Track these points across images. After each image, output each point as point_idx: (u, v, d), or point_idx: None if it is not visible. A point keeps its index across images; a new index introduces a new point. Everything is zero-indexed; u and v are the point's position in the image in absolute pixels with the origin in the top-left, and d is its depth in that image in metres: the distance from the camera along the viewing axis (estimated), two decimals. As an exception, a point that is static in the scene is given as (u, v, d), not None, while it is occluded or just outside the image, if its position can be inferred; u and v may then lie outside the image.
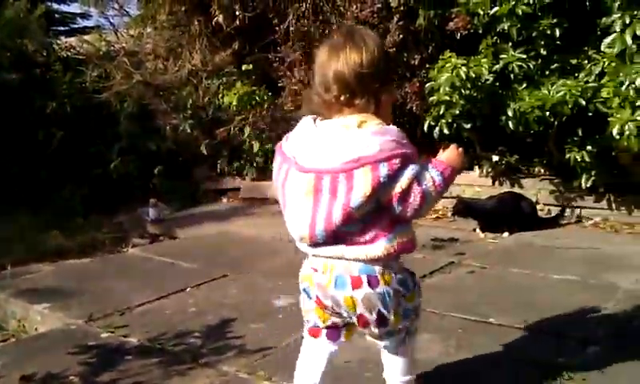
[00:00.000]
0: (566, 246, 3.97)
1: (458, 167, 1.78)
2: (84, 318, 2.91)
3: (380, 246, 1.68)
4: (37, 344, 2.69)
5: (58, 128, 6.05)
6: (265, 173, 6.04)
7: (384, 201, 1.65)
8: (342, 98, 1.71)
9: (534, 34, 4.49)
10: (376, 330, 1.81)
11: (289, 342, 2.56)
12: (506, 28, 4.52)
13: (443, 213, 4.96)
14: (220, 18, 5.67)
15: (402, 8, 5.01)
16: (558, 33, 4.42)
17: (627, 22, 4.13)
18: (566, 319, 2.73)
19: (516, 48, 4.56)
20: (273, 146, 6.16)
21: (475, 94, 4.53)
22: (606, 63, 4.22)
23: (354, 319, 1.78)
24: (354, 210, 1.63)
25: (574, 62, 4.49)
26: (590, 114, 4.29)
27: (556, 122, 4.45)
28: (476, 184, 5.05)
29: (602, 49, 4.27)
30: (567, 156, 4.47)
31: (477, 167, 5.11)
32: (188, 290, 3.30)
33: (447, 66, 4.49)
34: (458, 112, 4.56)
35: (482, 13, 4.60)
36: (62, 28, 9.42)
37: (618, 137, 4.04)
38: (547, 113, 4.28)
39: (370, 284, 1.71)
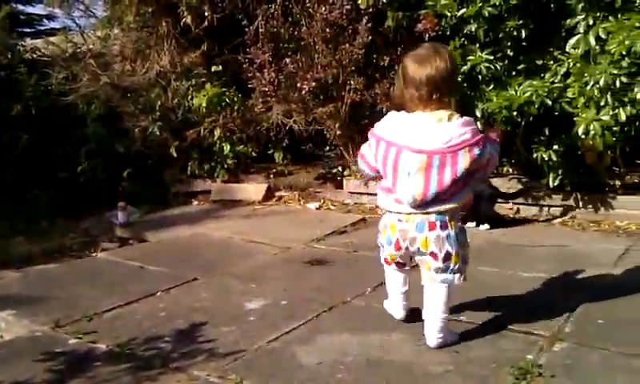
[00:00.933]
0: (534, 243, 4.03)
1: (501, 141, 2.58)
2: (51, 324, 2.85)
3: (454, 201, 2.37)
4: (1, 352, 2.62)
5: (24, 131, 5.93)
6: (236, 175, 6.01)
7: (472, 170, 2.34)
8: (434, 96, 2.33)
9: (500, 36, 4.55)
10: (441, 265, 2.39)
11: (260, 345, 2.55)
12: (473, 29, 4.57)
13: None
14: (188, 19, 5.62)
15: (370, 10, 5.03)
16: (524, 34, 4.48)
17: (590, 23, 4.21)
18: (534, 316, 2.77)
19: (483, 49, 4.61)
20: (244, 148, 6.22)
21: (444, 95, 4.57)
22: (571, 64, 4.30)
23: (426, 255, 2.40)
24: (458, 179, 2.31)
25: (539, 62, 4.56)
26: (556, 114, 4.37)
27: (523, 122, 4.52)
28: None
29: (567, 49, 4.35)
30: (534, 155, 4.54)
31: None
32: (158, 294, 3.26)
33: (416, 67, 4.52)
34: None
35: (449, 14, 4.65)
36: (28, 29, 9.21)
37: (583, 136, 4.12)
38: (514, 113, 4.35)
39: (441, 227, 2.38)
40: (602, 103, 4.06)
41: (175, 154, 5.99)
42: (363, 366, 2.35)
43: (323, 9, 5.03)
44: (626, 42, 3.87)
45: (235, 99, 5.60)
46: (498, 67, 4.59)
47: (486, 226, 4.50)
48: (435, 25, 4.75)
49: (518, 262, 3.63)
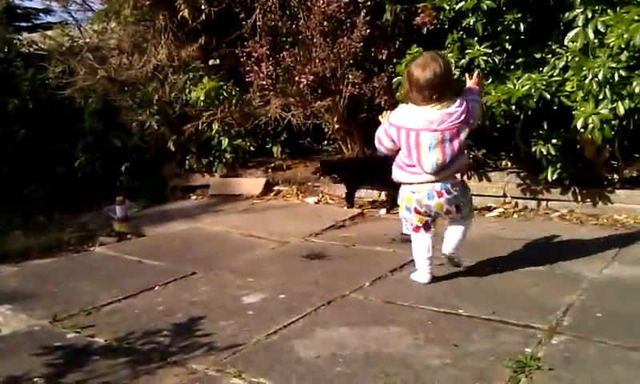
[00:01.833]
0: (532, 237, 4.02)
1: (480, 82, 3.38)
2: (48, 318, 2.84)
3: (458, 162, 3.07)
4: (-1, 346, 2.62)
5: (20, 125, 5.92)
6: (234, 169, 6.00)
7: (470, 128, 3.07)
8: (434, 96, 2.93)
9: (499, 29, 4.54)
10: (458, 215, 3.15)
11: (259, 339, 2.55)
12: (471, 23, 4.56)
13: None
14: (185, 13, 5.60)
15: (368, 3, 5.02)
16: (522, 27, 4.48)
17: (589, 16, 4.20)
18: (532, 310, 2.77)
19: (481, 43, 4.60)
20: (242, 142, 6.20)
21: (442, 89, 4.56)
22: (570, 57, 4.29)
23: (443, 212, 3.10)
24: (463, 142, 3.01)
25: (538, 56, 4.56)
26: (555, 108, 4.36)
27: (522, 116, 4.52)
28: (444, 178, 5.09)
29: (566, 43, 4.34)
30: (533, 149, 4.54)
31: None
32: (156, 288, 3.26)
33: (414, 60, 4.51)
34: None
35: (447, 8, 4.64)
36: (25, 23, 9.16)
37: (582, 130, 4.12)
38: (513, 107, 4.34)
39: (446, 192, 3.05)
40: (601, 97, 4.05)
41: (173, 148, 5.98)
42: (361, 359, 2.35)
43: (321, 2, 5.02)
44: (625, 36, 3.86)
45: (233, 93, 5.58)
46: (497, 61, 4.58)
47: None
48: (433, 18, 4.74)
49: (517, 256, 3.63)
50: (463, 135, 3.00)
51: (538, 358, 2.31)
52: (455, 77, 4.55)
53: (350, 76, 5.17)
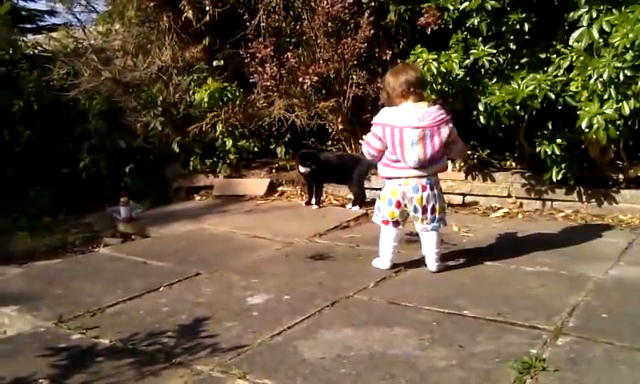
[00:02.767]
0: (537, 238, 4.01)
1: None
2: (54, 319, 2.85)
3: (438, 164, 3.28)
4: (5, 347, 2.62)
5: (25, 127, 5.93)
6: (238, 170, 6.00)
7: (449, 141, 3.23)
8: (411, 90, 3.21)
9: (503, 29, 4.54)
10: (430, 216, 3.28)
11: (263, 340, 2.55)
12: (475, 23, 4.55)
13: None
14: (190, 14, 5.61)
15: (372, 4, 5.02)
16: (526, 27, 4.47)
17: (594, 16, 4.19)
18: (538, 310, 2.77)
19: (486, 43, 4.60)
20: (246, 143, 6.21)
21: (446, 89, 4.57)
22: (574, 57, 4.28)
23: (420, 211, 3.25)
24: (443, 143, 3.20)
25: (542, 56, 4.55)
26: (560, 108, 4.35)
27: (526, 116, 4.51)
28: (449, 178, 5.08)
29: (570, 43, 4.33)
30: (538, 149, 4.53)
31: (449, 162, 5.13)
32: (161, 289, 3.26)
33: (418, 61, 4.52)
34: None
35: (451, 8, 4.63)
36: (29, 25, 9.21)
37: (587, 130, 4.11)
38: (517, 107, 4.33)
39: (430, 188, 3.25)
40: (606, 97, 4.04)
41: (177, 149, 5.99)
42: (366, 360, 2.35)
43: (325, 3, 5.02)
44: (630, 35, 3.85)
45: (237, 94, 5.58)
46: (501, 61, 4.58)
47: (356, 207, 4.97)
48: (437, 18, 4.73)
49: (522, 256, 3.62)
50: (444, 133, 3.20)
51: (544, 359, 2.30)
52: (460, 77, 4.57)
53: (354, 77, 5.17)
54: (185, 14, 5.65)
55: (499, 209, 4.87)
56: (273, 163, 6.05)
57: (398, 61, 4.99)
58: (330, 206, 5.25)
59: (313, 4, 5.15)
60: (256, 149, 5.98)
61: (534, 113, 4.46)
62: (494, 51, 4.56)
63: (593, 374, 2.21)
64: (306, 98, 5.38)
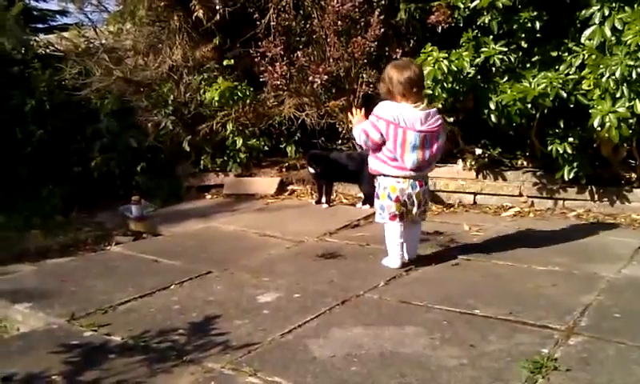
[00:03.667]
0: (549, 237, 3.99)
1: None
2: (66, 317, 2.86)
3: (433, 165, 3.43)
4: (18, 344, 2.64)
5: (38, 126, 5.97)
6: (248, 169, 6.01)
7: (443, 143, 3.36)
8: (414, 90, 3.24)
9: (514, 27, 4.52)
10: (421, 209, 3.42)
11: (274, 338, 2.55)
12: (486, 21, 4.54)
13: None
14: (200, 13, 5.63)
15: (383, 2, 5.02)
16: (538, 25, 4.45)
17: (606, 13, 4.17)
18: (550, 310, 2.75)
19: (497, 41, 4.58)
20: (256, 142, 6.21)
21: (457, 88, 4.55)
22: (586, 55, 4.26)
23: (416, 205, 3.36)
24: (440, 148, 3.33)
25: (554, 54, 4.52)
26: (572, 106, 4.33)
27: (538, 115, 4.49)
28: (459, 177, 5.08)
29: (582, 41, 4.31)
30: (549, 148, 4.51)
31: (460, 161, 5.13)
32: (172, 287, 3.27)
33: (429, 59, 4.51)
34: (440, 105, 4.57)
35: (462, 6, 4.62)
36: (41, 25, 9.26)
37: (599, 128, 4.08)
38: (529, 105, 4.31)
39: (425, 184, 3.42)
40: (618, 95, 4.02)
41: (188, 148, 6.01)
42: (377, 359, 2.35)
43: (335, 1, 5.02)
44: (643, 33, 3.82)
45: (247, 93, 5.59)
46: (512, 59, 4.56)
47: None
48: (448, 16, 4.73)
49: (533, 255, 3.61)
50: (441, 140, 3.32)
51: (555, 358, 2.29)
52: (471, 75, 4.56)
53: (365, 75, 5.17)
54: (195, 14, 5.67)
55: (510, 208, 4.84)
56: (283, 162, 6.05)
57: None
58: (340, 205, 5.25)
59: (323, 3, 5.16)
60: (266, 148, 5.99)
61: (546, 111, 4.43)
62: (505, 49, 4.54)
63: (605, 373, 2.19)
64: (316, 96, 5.39)
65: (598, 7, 4.21)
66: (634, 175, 4.62)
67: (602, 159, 4.62)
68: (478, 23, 4.61)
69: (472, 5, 4.55)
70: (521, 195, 4.89)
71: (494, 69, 4.59)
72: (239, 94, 5.54)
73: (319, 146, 5.81)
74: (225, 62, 5.86)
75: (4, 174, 5.72)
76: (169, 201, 5.79)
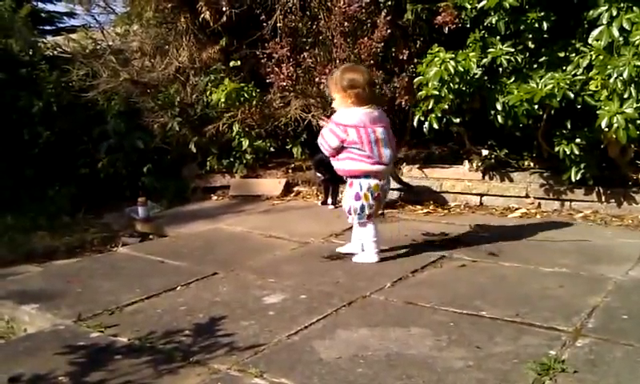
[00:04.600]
0: (556, 238, 3.98)
1: None
2: (73, 318, 2.87)
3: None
4: (25, 345, 2.65)
5: (45, 127, 5.99)
6: (254, 170, 6.02)
7: None
8: (370, 91, 3.47)
9: (521, 28, 4.50)
10: (383, 203, 3.74)
11: (280, 339, 2.55)
12: (493, 22, 4.52)
13: (434, 208, 4.97)
14: (207, 15, 5.64)
15: (389, 3, 5.01)
16: (545, 26, 4.43)
17: (614, 14, 4.15)
18: (556, 311, 2.74)
19: (504, 41, 4.56)
20: (262, 143, 6.20)
21: (464, 88, 4.53)
22: (594, 56, 4.23)
23: (383, 202, 3.67)
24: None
25: (561, 54, 4.50)
26: (579, 107, 4.31)
27: (545, 115, 4.47)
28: (466, 178, 5.06)
29: (590, 41, 4.29)
30: (556, 149, 4.49)
31: (466, 162, 5.12)
32: (178, 288, 3.27)
33: (436, 60, 4.49)
34: (447, 106, 4.57)
35: (469, 7, 4.61)
36: (49, 27, 9.33)
37: (606, 129, 4.06)
38: (536, 106, 4.30)
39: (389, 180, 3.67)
40: (626, 96, 3.99)
41: (194, 150, 6.02)
42: (383, 360, 2.34)
43: (342, 2, 5.02)
44: (651, 33, 3.80)
45: (254, 94, 5.59)
46: (519, 60, 4.54)
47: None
48: (455, 17, 4.71)
49: (540, 257, 3.59)
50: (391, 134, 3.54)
51: (563, 360, 2.28)
52: (477, 76, 4.54)
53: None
54: (202, 15, 5.68)
55: (517, 209, 4.83)
56: (289, 163, 6.05)
57: (415, 60, 4.98)
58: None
59: (329, 4, 5.15)
60: (272, 149, 5.99)
61: (553, 112, 4.41)
62: (512, 50, 4.53)
63: (612, 375, 2.18)
64: (323, 98, 5.38)
65: (606, 8, 4.19)
66: (641, 176, 4.60)
67: (609, 160, 4.60)
68: (485, 24, 4.59)
69: (479, 5, 4.53)
70: (527, 196, 4.87)
71: (500, 69, 4.57)
72: (245, 95, 5.54)
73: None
74: (231, 64, 5.87)
75: (11, 174, 5.74)
76: (175, 202, 5.80)
